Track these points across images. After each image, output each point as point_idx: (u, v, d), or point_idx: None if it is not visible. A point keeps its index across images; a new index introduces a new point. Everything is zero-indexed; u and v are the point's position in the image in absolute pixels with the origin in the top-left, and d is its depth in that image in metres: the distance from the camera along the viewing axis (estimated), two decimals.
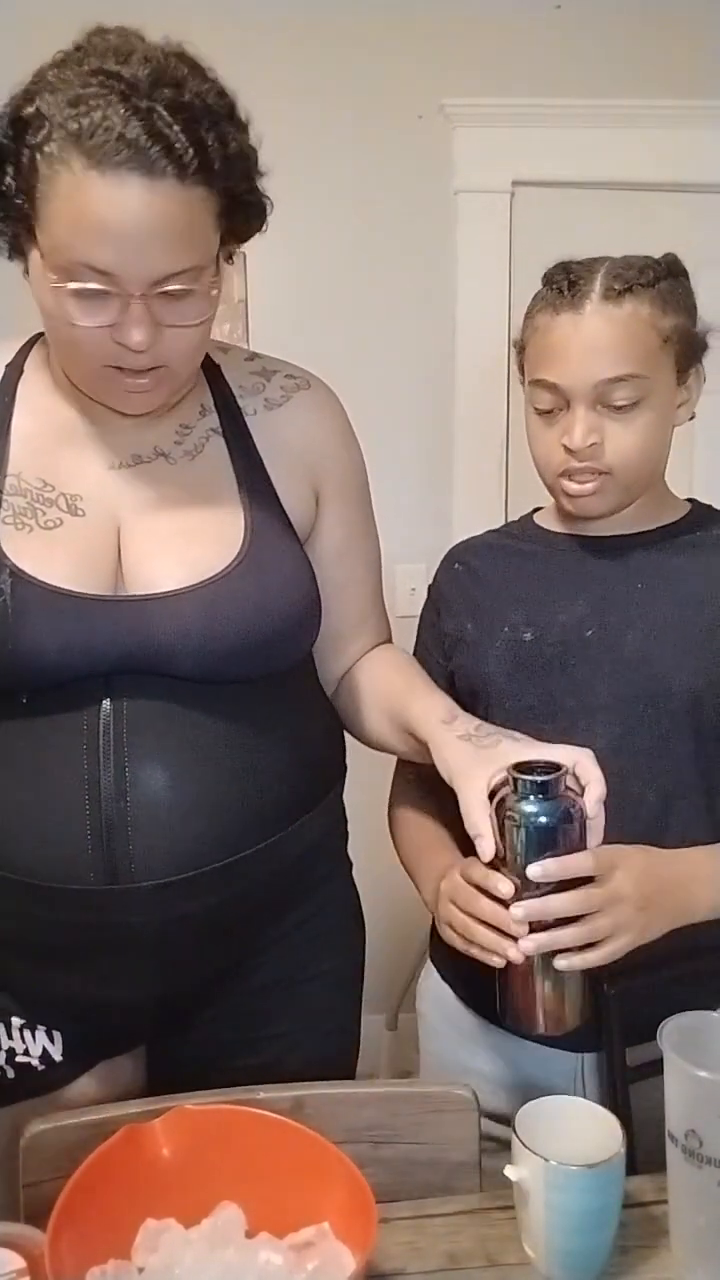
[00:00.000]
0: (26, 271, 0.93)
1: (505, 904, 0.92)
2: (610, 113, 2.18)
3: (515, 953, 0.91)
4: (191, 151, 0.83)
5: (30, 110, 0.84)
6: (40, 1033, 1.03)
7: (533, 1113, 0.87)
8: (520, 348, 1.16)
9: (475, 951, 0.97)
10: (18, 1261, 0.78)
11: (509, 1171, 0.85)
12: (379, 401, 2.26)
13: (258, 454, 1.02)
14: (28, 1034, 1.02)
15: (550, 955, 0.93)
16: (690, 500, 1.23)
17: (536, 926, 0.92)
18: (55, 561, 0.93)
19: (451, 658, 1.21)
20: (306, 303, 2.22)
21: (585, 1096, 1.11)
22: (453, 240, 2.23)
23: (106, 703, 0.93)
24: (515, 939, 0.92)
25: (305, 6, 2.10)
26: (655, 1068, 0.87)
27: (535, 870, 0.90)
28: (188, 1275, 0.81)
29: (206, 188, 0.87)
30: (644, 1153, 0.95)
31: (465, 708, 1.08)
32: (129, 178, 0.82)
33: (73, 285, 0.85)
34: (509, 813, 0.92)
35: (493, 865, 0.94)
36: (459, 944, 1.00)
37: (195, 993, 1.05)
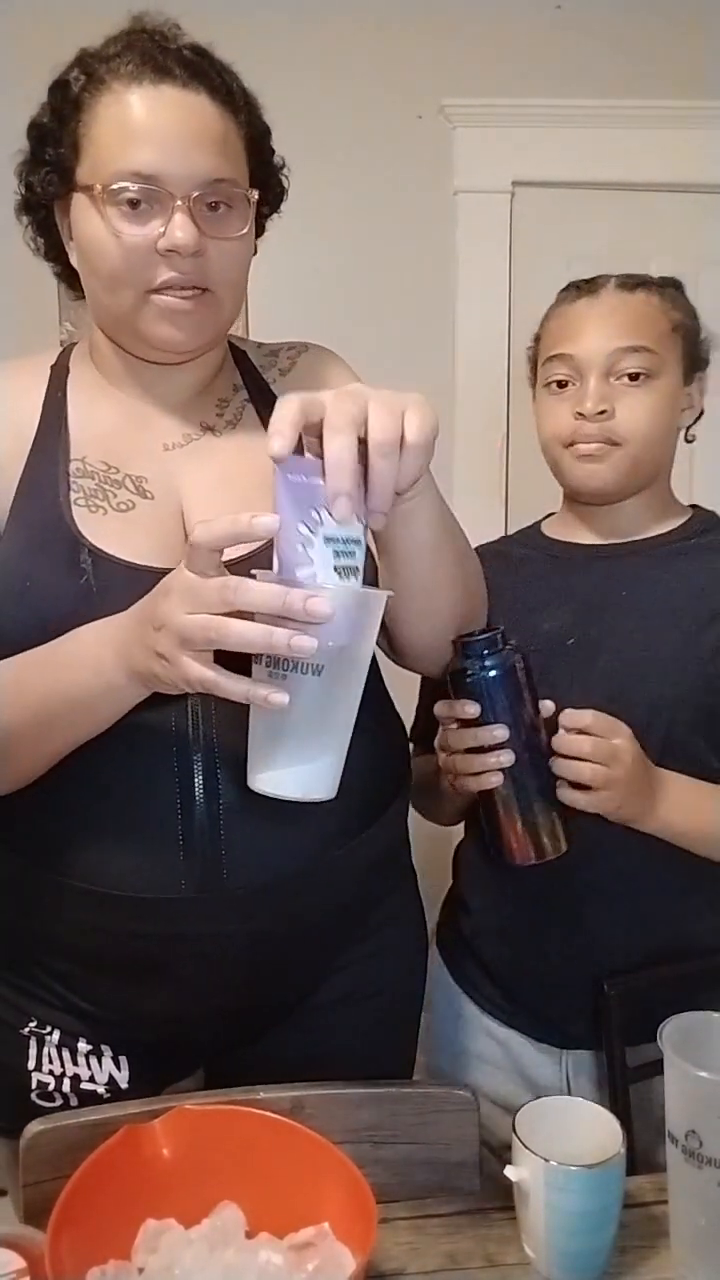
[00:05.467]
0: (46, 254, 1.00)
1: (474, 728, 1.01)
2: (610, 113, 2.18)
3: (507, 757, 1.00)
4: (219, 79, 0.92)
5: (73, 74, 0.92)
6: (107, 1059, 1.00)
7: (533, 1113, 0.87)
8: (535, 339, 1.20)
9: (470, 783, 1.02)
10: (18, 1261, 0.78)
11: (509, 1172, 0.85)
12: None
13: None
14: (94, 1060, 1.00)
15: (526, 790, 1.02)
16: (694, 506, 1.24)
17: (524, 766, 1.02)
18: (135, 542, 0.92)
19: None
20: (306, 302, 2.21)
21: (570, 1091, 1.12)
22: (453, 240, 2.23)
23: (195, 698, 0.90)
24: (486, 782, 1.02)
25: (305, 7, 2.10)
26: (655, 1068, 0.87)
27: (551, 708, 1.02)
28: (188, 1275, 0.81)
29: (234, 115, 0.93)
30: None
31: None
32: (165, 89, 0.89)
33: (116, 185, 0.88)
34: (462, 675, 1.01)
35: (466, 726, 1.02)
36: (461, 785, 1.04)
37: (275, 1006, 1.03)
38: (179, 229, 0.88)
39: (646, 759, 1.07)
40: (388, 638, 1.05)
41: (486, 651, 1.01)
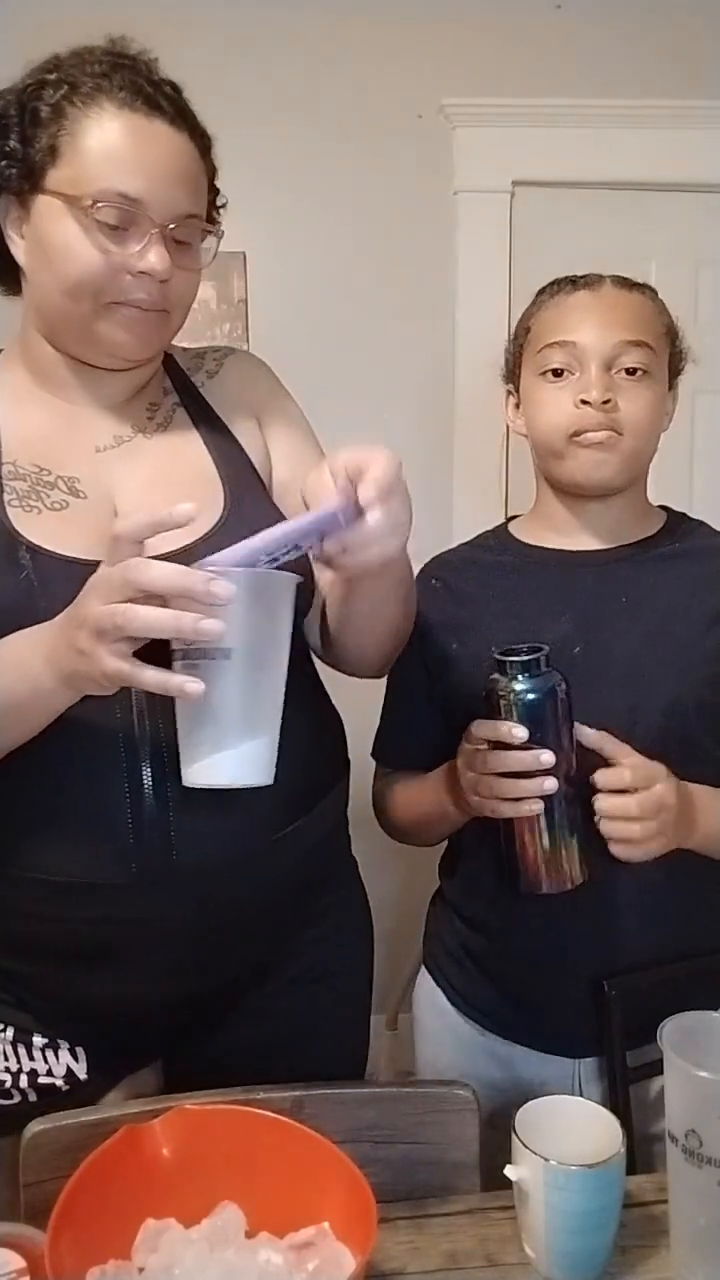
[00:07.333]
0: None
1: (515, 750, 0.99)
2: (610, 113, 2.18)
3: (551, 784, 0.98)
4: (196, 122, 0.97)
5: (52, 76, 0.93)
6: (64, 1051, 1.01)
7: (533, 1112, 0.87)
8: (524, 330, 1.19)
9: (505, 808, 1.00)
10: (18, 1261, 0.79)
11: (509, 1171, 0.85)
12: (378, 401, 2.26)
13: (216, 414, 1.09)
14: (50, 1054, 1.01)
15: (560, 818, 1.00)
16: (663, 508, 1.24)
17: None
18: (72, 538, 0.95)
19: (439, 680, 1.20)
20: (306, 303, 2.22)
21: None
22: (453, 240, 2.23)
23: (140, 690, 0.91)
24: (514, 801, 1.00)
25: (305, 7, 2.10)
26: (655, 1068, 0.87)
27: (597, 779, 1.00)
28: (188, 1275, 0.81)
29: (203, 157, 0.98)
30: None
31: (458, 727, 1.08)
32: (158, 123, 0.93)
33: (101, 204, 0.90)
34: (501, 695, 0.99)
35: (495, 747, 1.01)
36: (488, 807, 1.02)
37: (226, 992, 1.05)
38: (155, 255, 0.92)
39: (677, 783, 1.05)
40: (325, 642, 1.10)
41: (533, 673, 0.99)
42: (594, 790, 1.02)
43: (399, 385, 2.27)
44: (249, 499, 1.03)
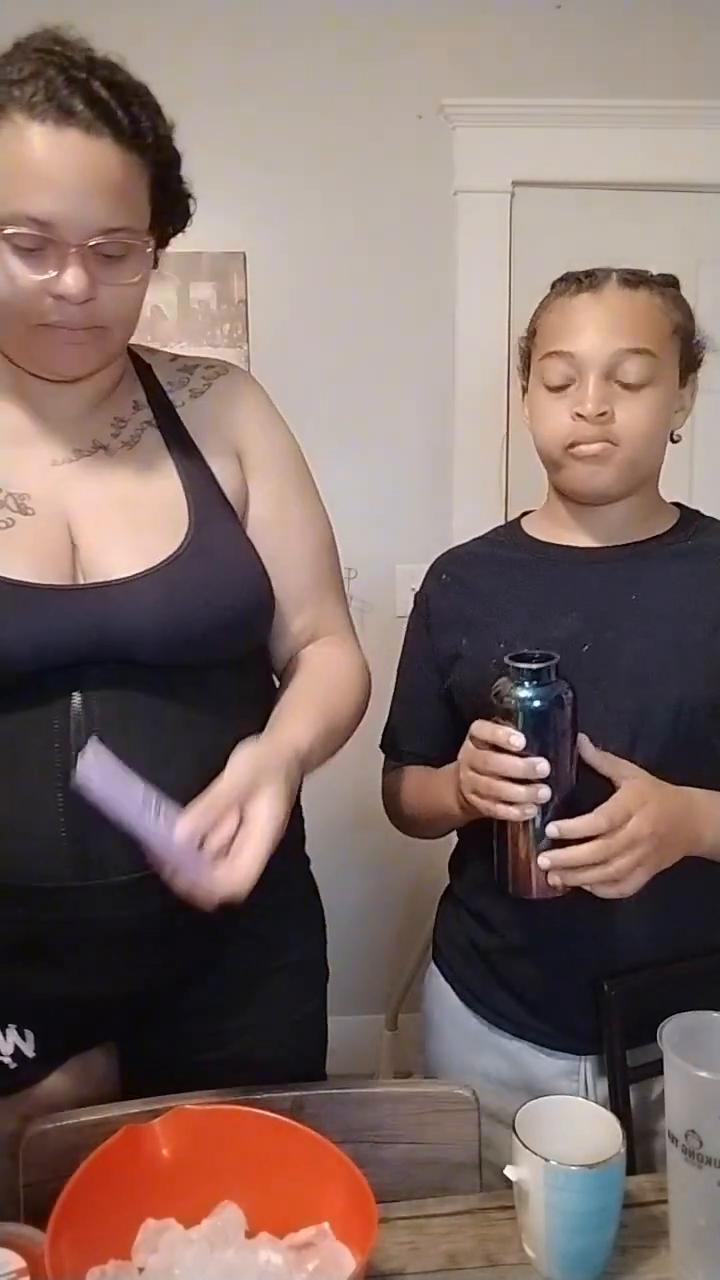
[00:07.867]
0: None
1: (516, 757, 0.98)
2: (610, 113, 2.18)
3: (545, 793, 0.96)
4: (126, 120, 0.89)
5: None
6: (11, 1031, 1.02)
7: (533, 1113, 0.87)
8: (530, 333, 1.18)
9: (499, 810, 0.99)
10: (18, 1261, 0.79)
11: (509, 1172, 0.85)
12: (379, 401, 2.26)
13: (191, 440, 1.06)
14: None
15: (545, 824, 0.97)
16: (677, 504, 1.24)
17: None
18: (14, 559, 0.94)
19: (449, 674, 1.20)
20: (306, 303, 2.22)
21: (588, 1098, 1.11)
22: (453, 240, 2.23)
23: (76, 698, 0.93)
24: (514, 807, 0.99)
25: (306, 7, 2.11)
26: (655, 1068, 0.87)
27: (552, 830, 0.97)
28: (188, 1275, 0.81)
29: (139, 155, 0.91)
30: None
31: (466, 721, 1.08)
32: (69, 132, 0.86)
33: (9, 230, 0.87)
34: (505, 699, 0.98)
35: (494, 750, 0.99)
36: (483, 806, 1.01)
37: (167, 986, 1.06)
38: (70, 278, 0.88)
39: (674, 799, 1.03)
40: (283, 676, 1.10)
41: (541, 681, 0.97)
42: (564, 838, 0.98)
43: (399, 385, 2.27)
44: (217, 529, 1.02)
